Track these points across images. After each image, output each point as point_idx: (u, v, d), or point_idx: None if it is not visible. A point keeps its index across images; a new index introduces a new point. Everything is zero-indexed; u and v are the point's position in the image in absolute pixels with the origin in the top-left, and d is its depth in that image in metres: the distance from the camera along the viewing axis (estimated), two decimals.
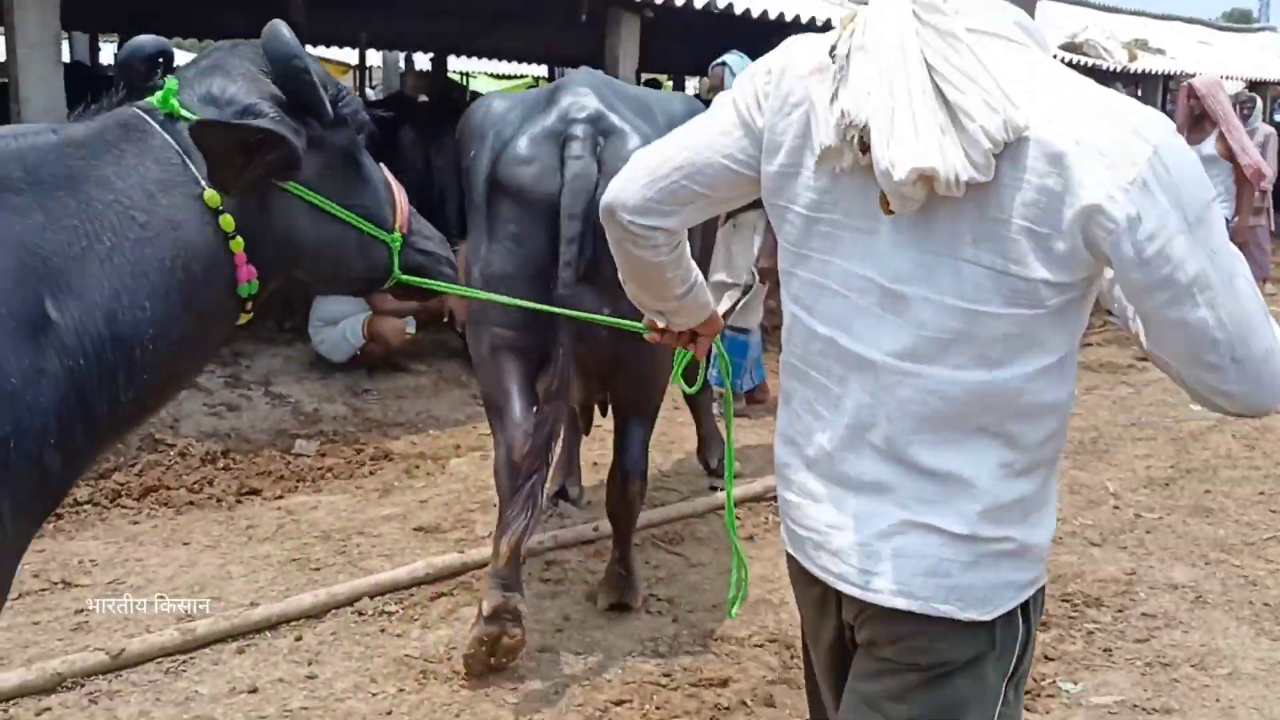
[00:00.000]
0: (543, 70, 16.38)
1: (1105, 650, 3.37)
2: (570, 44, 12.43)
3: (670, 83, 15.79)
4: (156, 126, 1.63)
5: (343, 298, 5.63)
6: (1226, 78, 13.61)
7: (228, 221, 1.64)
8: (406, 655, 3.17)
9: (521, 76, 20.34)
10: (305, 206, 1.76)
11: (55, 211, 1.51)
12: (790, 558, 1.58)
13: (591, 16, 6.58)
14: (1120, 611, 3.64)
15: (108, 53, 13.85)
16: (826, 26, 7.63)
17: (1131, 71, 11.40)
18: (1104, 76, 11.22)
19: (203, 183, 1.62)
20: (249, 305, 1.73)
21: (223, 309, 1.70)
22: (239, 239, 1.65)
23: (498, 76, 21.44)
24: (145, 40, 1.74)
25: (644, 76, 9.79)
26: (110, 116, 1.65)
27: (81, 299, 1.50)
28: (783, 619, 3.51)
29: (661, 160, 1.52)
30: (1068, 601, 3.71)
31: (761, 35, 8.40)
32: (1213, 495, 4.82)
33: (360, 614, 3.39)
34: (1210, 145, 7.20)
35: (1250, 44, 17.78)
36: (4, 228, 1.46)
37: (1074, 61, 9.94)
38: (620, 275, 1.71)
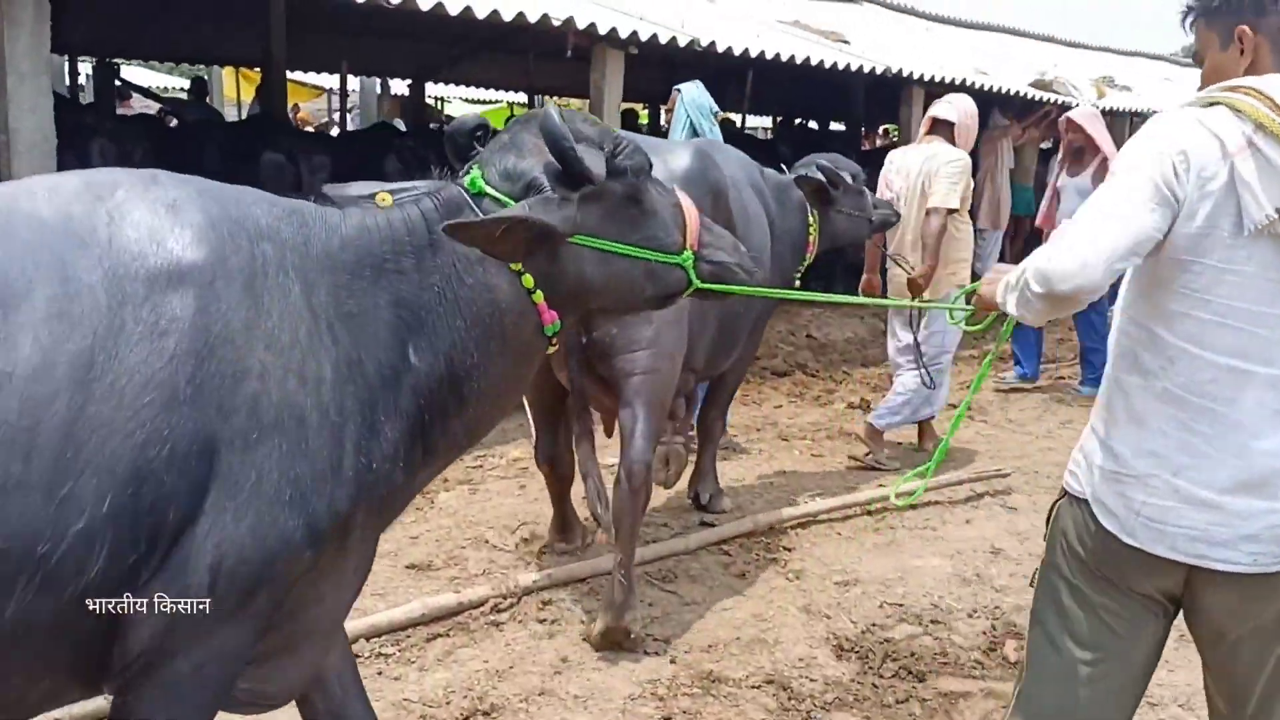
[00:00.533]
0: (522, 98, 16.43)
1: None
2: (551, 74, 12.54)
3: (646, 111, 15.92)
4: (471, 203, 1.96)
5: None
6: None
7: (528, 280, 1.96)
8: (405, 699, 3.17)
9: (496, 102, 20.40)
10: (591, 252, 2.03)
11: (424, 273, 1.89)
12: (1129, 548, 1.96)
13: (576, 52, 6.65)
14: None
15: (86, 74, 13.76)
16: (790, 63, 7.77)
17: (1101, 109, 11.65)
18: None
19: None
20: (554, 340, 2.06)
21: (532, 347, 2.05)
22: (539, 292, 1.97)
23: (473, 101, 21.49)
24: (468, 118, 2.13)
25: (622, 107, 9.88)
26: (444, 191, 1.99)
27: (431, 347, 1.87)
28: (778, 659, 3.54)
29: (1114, 246, 1.85)
30: None
31: (731, 68, 8.54)
32: None
33: (357, 656, 3.37)
34: (1088, 178, 7.16)
35: None
36: (392, 288, 1.85)
37: (1044, 99, 10.17)
38: (1031, 321, 2.06)
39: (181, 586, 1.62)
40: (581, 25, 6.27)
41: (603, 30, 6.38)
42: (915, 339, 5.56)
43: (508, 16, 5.96)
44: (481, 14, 5.86)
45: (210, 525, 1.61)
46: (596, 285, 2.07)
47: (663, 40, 6.80)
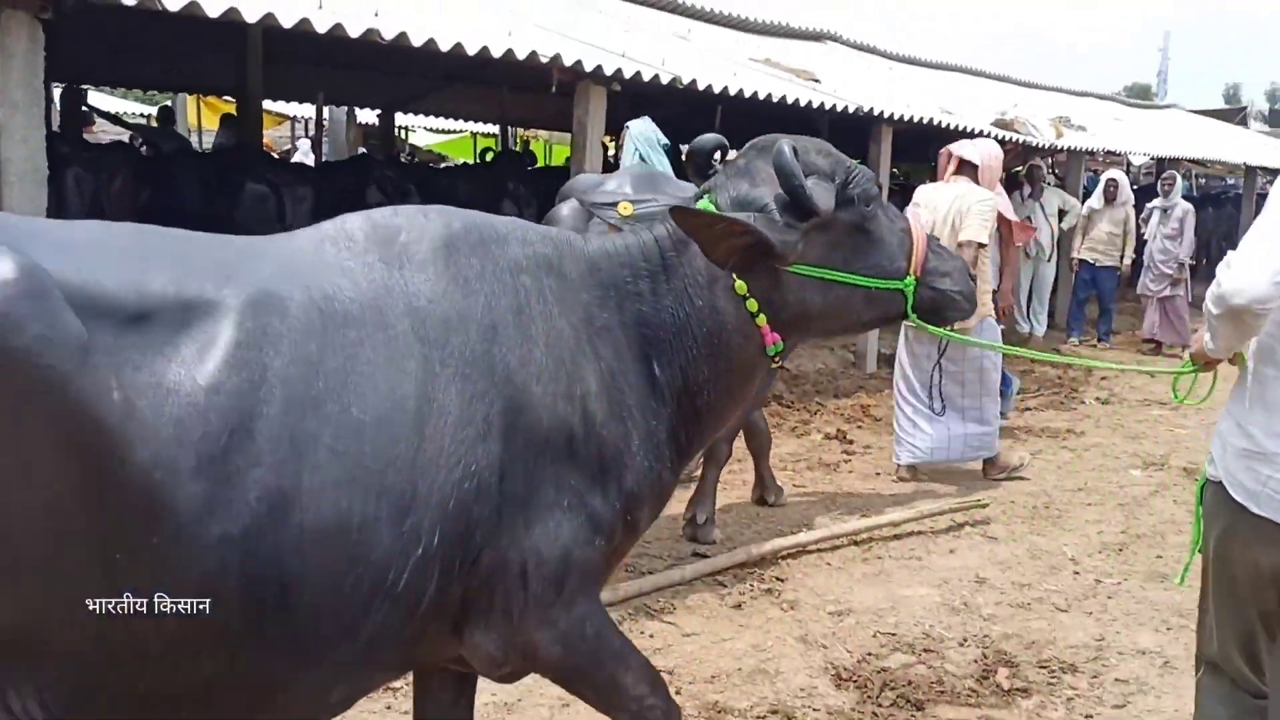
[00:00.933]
0: (494, 129, 16.46)
1: (1086, 717, 3.54)
2: (524, 106, 12.64)
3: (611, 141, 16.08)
4: None
5: None
6: (1143, 154, 14.46)
7: (752, 304, 2.08)
8: None
9: (460, 132, 20.45)
10: (813, 279, 2.13)
11: (659, 293, 2.05)
12: (1256, 518, 2.27)
13: (560, 88, 6.75)
14: (1095, 678, 3.82)
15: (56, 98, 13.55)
16: (766, 100, 7.95)
17: (1058, 148, 12.03)
18: (1032, 152, 11.83)
19: (734, 275, 2.05)
20: (776, 359, 2.18)
21: (755, 365, 2.18)
22: (762, 316, 2.09)
23: (437, 131, 21.52)
24: (708, 138, 2.28)
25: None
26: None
27: (670, 362, 2.05)
28: (779, 689, 3.60)
29: (1277, 261, 2.08)
30: (1045, 668, 3.87)
31: (701, 103, 8.71)
32: (1164, 560, 5.07)
33: None
34: None
35: (1158, 121, 18.89)
36: (633, 308, 2.02)
37: (1005, 137, 10.47)
38: (1219, 350, 2.32)
39: (498, 596, 1.83)
40: (568, 62, 6.37)
41: (588, 67, 6.49)
42: (940, 363, 5.89)
43: (497, 53, 6.04)
44: (472, 50, 5.94)
45: (508, 541, 1.83)
46: (817, 310, 2.16)
47: (646, 78, 6.93)
